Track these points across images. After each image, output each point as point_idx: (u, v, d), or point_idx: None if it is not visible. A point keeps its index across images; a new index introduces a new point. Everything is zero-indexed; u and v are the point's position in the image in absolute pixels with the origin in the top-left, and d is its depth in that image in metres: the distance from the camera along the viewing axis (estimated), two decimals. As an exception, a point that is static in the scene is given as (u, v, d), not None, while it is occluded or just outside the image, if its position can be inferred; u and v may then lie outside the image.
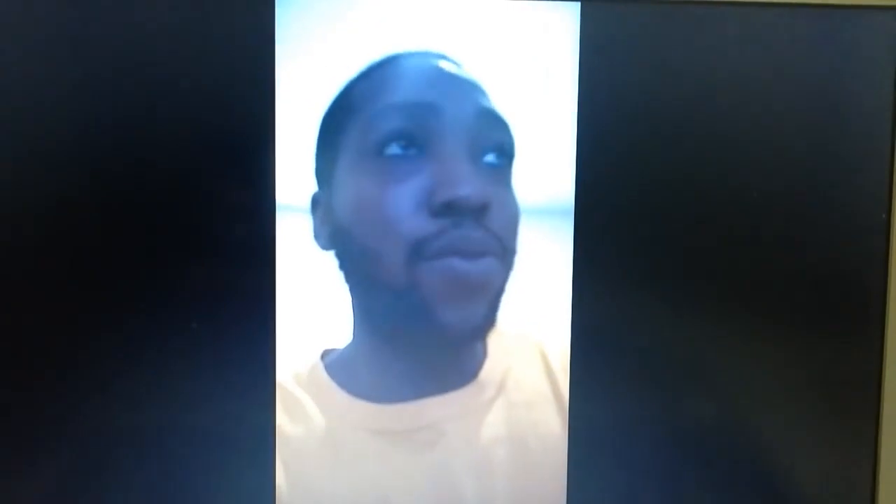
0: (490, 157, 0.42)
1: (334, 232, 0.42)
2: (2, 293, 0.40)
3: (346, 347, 0.43)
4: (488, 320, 0.43)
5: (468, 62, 0.41)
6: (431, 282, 0.42)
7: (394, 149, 0.42)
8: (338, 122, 0.42)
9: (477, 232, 0.42)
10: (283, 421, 0.42)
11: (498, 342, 0.43)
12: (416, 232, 0.42)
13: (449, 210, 0.42)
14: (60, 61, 0.40)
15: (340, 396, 0.43)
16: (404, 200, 0.42)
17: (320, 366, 0.43)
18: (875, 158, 0.42)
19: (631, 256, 0.42)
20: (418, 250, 0.42)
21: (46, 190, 0.40)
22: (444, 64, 0.42)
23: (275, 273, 0.41)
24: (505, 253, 0.42)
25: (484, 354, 0.43)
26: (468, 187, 0.42)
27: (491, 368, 0.43)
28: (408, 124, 0.42)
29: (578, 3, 0.41)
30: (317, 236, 0.42)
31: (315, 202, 0.42)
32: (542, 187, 0.42)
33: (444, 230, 0.42)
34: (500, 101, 0.42)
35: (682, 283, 0.42)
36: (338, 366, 0.43)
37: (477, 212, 0.42)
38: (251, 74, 0.40)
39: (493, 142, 0.42)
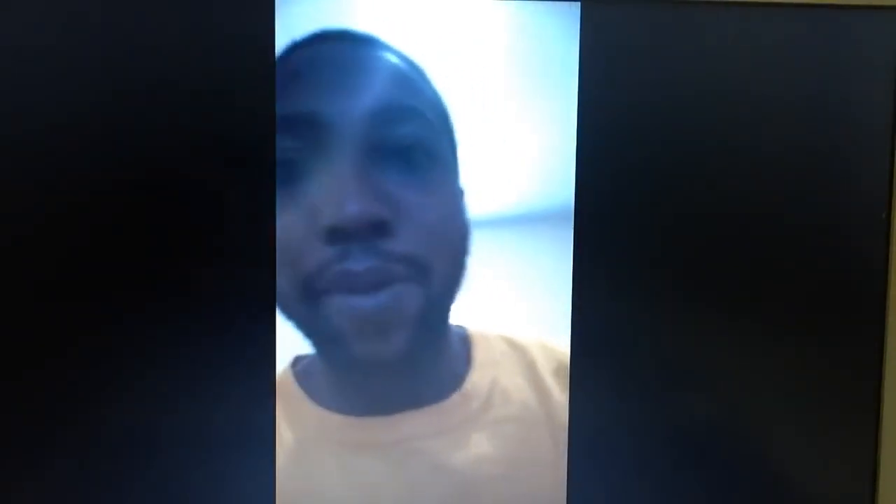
0: (395, 162, 0.37)
1: None
2: (1, 293, 0.40)
3: (313, 355, 0.41)
4: (415, 345, 0.39)
5: (424, 53, 0.39)
6: (330, 318, 0.38)
7: (283, 168, 0.38)
8: None
9: (369, 261, 0.37)
10: None
11: (484, 351, 0.41)
12: (304, 265, 0.38)
13: (336, 236, 0.37)
14: (59, 61, 0.40)
15: (308, 407, 0.41)
16: (293, 227, 0.38)
17: (290, 374, 0.41)
18: (875, 158, 0.42)
19: (631, 258, 0.42)
20: (310, 285, 0.38)
21: (46, 190, 0.40)
22: (347, 53, 0.38)
23: (275, 273, 0.41)
24: (421, 273, 0.38)
25: (468, 365, 0.41)
26: (354, 205, 0.36)
27: (476, 380, 0.41)
28: (292, 141, 0.38)
29: (578, 3, 0.41)
30: None
31: None
32: (542, 189, 0.41)
33: (329, 264, 0.37)
34: (427, 90, 0.38)
35: (682, 285, 0.42)
36: (306, 375, 0.41)
37: (370, 233, 0.37)
38: (251, 74, 0.40)
39: (400, 142, 0.37)
